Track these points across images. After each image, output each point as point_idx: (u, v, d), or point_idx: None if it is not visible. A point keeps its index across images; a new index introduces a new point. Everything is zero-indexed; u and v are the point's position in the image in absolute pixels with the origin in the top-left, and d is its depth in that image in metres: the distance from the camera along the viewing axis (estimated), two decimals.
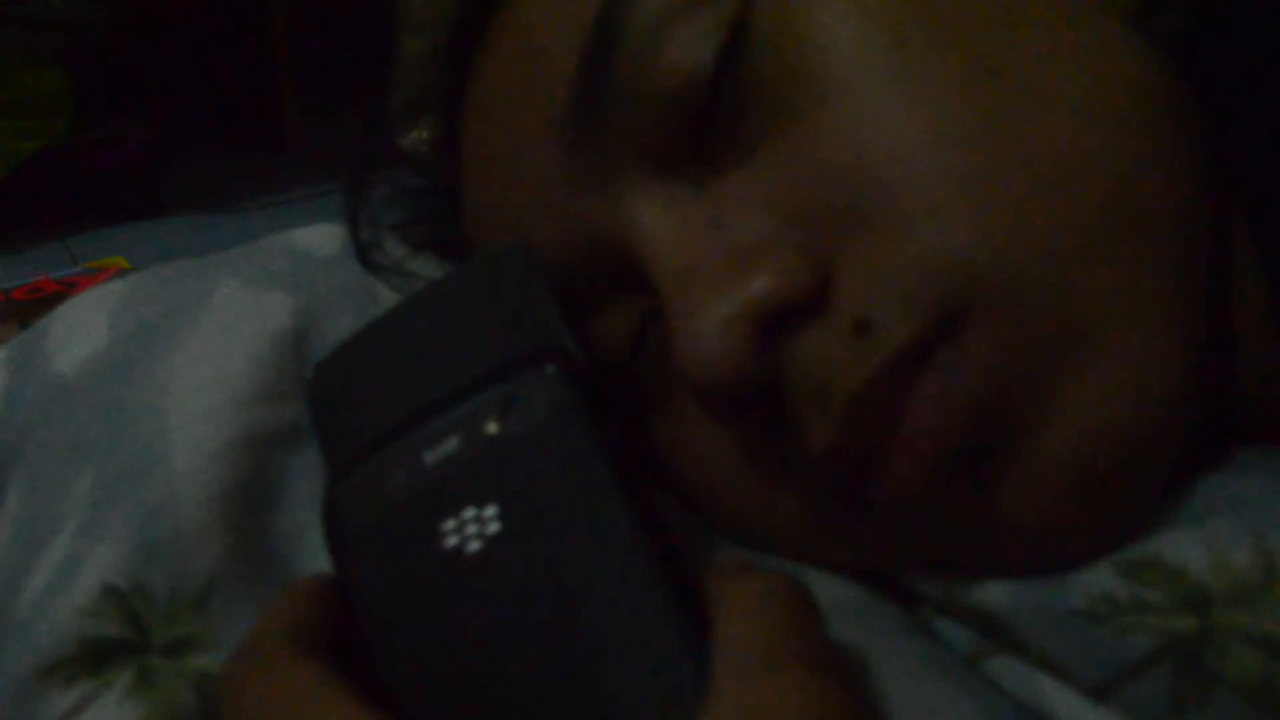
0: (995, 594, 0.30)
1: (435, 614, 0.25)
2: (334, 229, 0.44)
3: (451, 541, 0.25)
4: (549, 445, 0.25)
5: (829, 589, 0.31)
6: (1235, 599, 0.27)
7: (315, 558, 0.33)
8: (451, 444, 0.26)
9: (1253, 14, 0.31)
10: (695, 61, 0.30)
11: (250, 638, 0.25)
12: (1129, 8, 0.31)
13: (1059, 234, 0.28)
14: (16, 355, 0.40)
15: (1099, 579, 0.29)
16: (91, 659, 0.30)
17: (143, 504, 0.32)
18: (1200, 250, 0.30)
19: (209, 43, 1.68)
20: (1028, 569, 0.30)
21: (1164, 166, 0.29)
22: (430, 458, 0.26)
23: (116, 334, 0.38)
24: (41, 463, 0.35)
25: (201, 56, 1.68)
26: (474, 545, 0.25)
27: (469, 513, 0.25)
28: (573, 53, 0.31)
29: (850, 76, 0.29)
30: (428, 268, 0.42)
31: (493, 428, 0.26)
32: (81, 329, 0.39)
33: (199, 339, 0.36)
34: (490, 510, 0.25)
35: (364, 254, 0.42)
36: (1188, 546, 0.28)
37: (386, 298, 0.40)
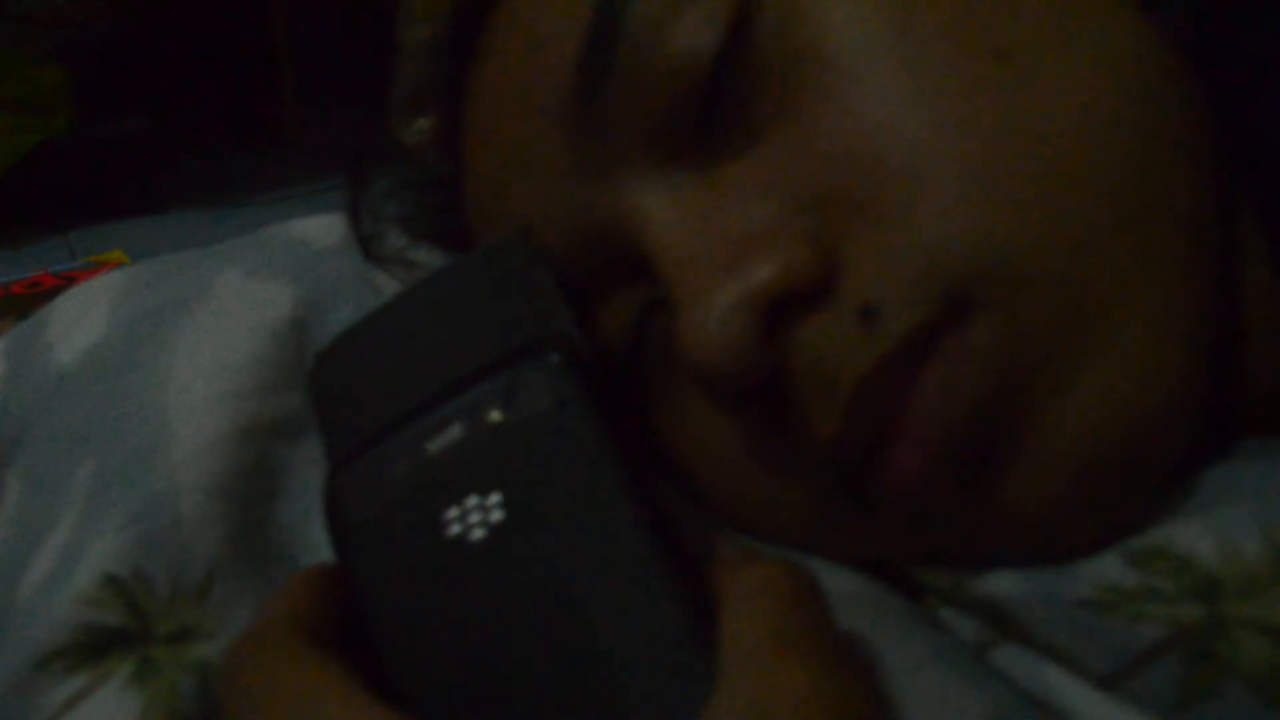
0: (1002, 584, 0.30)
1: (439, 603, 0.24)
2: (335, 220, 0.44)
3: (455, 530, 0.25)
4: (553, 433, 0.25)
5: (835, 579, 0.31)
6: (1245, 588, 0.27)
7: (317, 548, 0.32)
8: (454, 433, 0.26)
9: (1263, 1, 0.31)
10: (698, 48, 0.30)
11: (253, 627, 0.25)
12: None
13: (1066, 222, 0.27)
14: (15, 346, 0.40)
15: (1107, 568, 0.28)
16: (92, 648, 0.30)
17: (144, 494, 0.32)
18: (1208, 239, 0.30)
19: (209, 38, 1.68)
20: (1033, 558, 0.30)
21: (1172, 154, 0.29)
22: (433, 447, 0.26)
23: (116, 324, 0.38)
24: (42, 453, 0.35)
25: (201, 52, 1.68)
26: (477, 534, 0.24)
27: (472, 501, 0.25)
28: (575, 41, 0.31)
29: (856, 62, 0.29)
30: (429, 258, 0.41)
31: (496, 416, 0.25)
32: (81, 319, 0.39)
33: (199, 329, 0.36)
34: (494, 499, 0.25)
35: (365, 244, 0.42)
36: (1196, 536, 0.28)
37: (388, 287, 0.40)
